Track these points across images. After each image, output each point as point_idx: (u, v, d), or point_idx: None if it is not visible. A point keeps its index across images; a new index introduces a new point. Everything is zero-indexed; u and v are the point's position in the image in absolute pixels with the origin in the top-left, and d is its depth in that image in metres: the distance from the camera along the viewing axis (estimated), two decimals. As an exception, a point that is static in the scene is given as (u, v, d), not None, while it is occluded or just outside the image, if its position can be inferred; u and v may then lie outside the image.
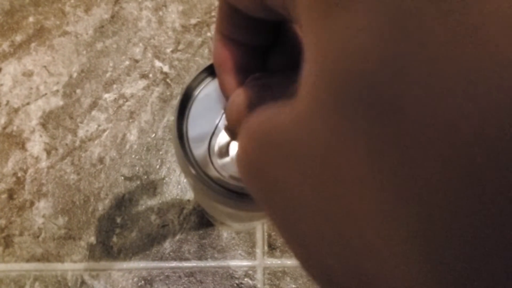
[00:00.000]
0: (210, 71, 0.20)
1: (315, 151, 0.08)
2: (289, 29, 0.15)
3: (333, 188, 0.08)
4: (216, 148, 0.19)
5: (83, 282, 0.42)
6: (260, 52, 0.15)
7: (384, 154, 0.06)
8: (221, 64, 0.15)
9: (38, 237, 0.43)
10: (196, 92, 0.20)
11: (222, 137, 0.20)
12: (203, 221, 0.44)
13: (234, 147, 0.19)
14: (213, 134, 0.19)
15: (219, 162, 0.19)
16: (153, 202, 0.44)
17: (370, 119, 0.07)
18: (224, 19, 0.14)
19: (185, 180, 0.45)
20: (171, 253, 0.43)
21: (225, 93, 0.16)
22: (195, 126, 0.19)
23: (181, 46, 0.51)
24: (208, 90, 0.20)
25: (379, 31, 0.06)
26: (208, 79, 0.20)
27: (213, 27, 0.51)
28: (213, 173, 0.19)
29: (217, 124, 0.19)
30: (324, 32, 0.07)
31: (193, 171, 0.18)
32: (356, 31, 0.07)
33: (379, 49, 0.06)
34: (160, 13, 0.52)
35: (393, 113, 0.06)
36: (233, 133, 0.17)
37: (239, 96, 0.15)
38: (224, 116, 0.20)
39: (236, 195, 0.18)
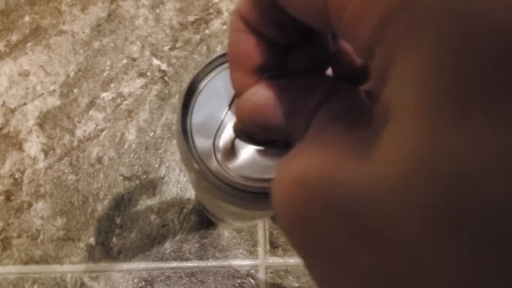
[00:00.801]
0: (217, 63, 0.19)
1: (397, 234, 0.07)
2: (323, 36, 0.14)
3: (405, 280, 0.07)
4: (221, 143, 0.19)
5: (82, 284, 0.41)
6: (283, 49, 0.14)
7: None
8: (239, 59, 0.14)
9: (36, 239, 0.42)
10: (201, 85, 0.19)
11: (227, 133, 0.19)
12: (203, 220, 0.43)
13: (240, 146, 0.19)
14: (218, 129, 0.19)
15: (227, 164, 0.18)
16: (152, 201, 0.44)
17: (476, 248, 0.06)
18: (257, 8, 0.12)
19: (185, 179, 0.45)
20: (171, 253, 0.42)
21: (238, 90, 0.14)
22: (200, 120, 0.19)
23: (178, 44, 0.50)
24: (215, 83, 0.19)
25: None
26: (215, 72, 0.19)
27: (210, 24, 0.51)
28: (217, 169, 0.18)
29: (223, 119, 0.19)
30: (437, 133, 0.07)
31: (196, 166, 0.18)
32: (479, 147, 0.06)
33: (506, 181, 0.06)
34: (157, 10, 0.51)
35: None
36: (242, 132, 0.16)
37: (254, 95, 0.14)
38: (229, 111, 0.19)
39: (241, 193, 0.18)
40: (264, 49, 0.13)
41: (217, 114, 0.19)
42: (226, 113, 0.19)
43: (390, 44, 0.08)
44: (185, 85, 0.18)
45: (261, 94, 0.13)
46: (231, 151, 0.19)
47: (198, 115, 0.19)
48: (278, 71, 0.14)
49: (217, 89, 0.19)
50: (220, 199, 0.19)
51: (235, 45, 0.13)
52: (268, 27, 0.13)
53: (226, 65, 0.19)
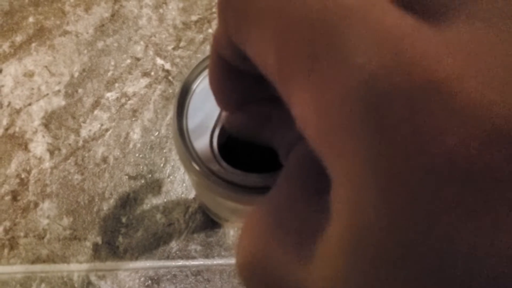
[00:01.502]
0: (207, 64, 0.20)
1: None
2: None
3: None
4: (216, 142, 0.19)
5: (89, 283, 0.41)
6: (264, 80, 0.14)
7: None
8: (219, 91, 0.13)
9: (43, 238, 0.42)
10: (194, 86, 0.19)
11: (223, 131, 0.19)
12: (208, 219, 0.44)
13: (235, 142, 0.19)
14: (214, 127, 0.19)
15: (225, 161, 0.19)
16: (158, 201, 0.44)
17: None
18: (227, 48, 0.11)
19: (188, 177, 0.45)
20: (177, 252, 0.42)
21: (223, 109, 0.15)
22: (195, 121, 0.19)
23: (182, 43, 0.50)
24: (206, 83, 0.19)
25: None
26: (206, 72, 0.20)
27: (214, 23, 0.51)
28: (216, 167, 0.18)
29: (218, 117, 0.19)
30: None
31: (196, 167, 0.18)
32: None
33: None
34: (161, 10, 0.52)
35: None
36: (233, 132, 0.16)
37: (237, 120, 0.14)
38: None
39: (242, 189, 0.18)
40: (243, 80, 0.13)
41: (212, 112, 0.19)
42: (221, 112, 0.19)
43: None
44: (178, 87, 0.19)
45: (242, 121, 0.14)
46: (227, 149, 0.19)
47: (193, 115, 0.19)
48: (262, 98, 0.14)
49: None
50: (222, 197, 0.19)
51: (214, 78, 0.13)
52: (241, 62, 0.12)
53: None
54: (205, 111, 0.19)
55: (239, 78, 0.13)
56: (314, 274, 0.08)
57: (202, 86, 0.20)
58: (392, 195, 0.06)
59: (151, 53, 0.50)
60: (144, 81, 0.48)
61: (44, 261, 0.42)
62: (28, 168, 0.45)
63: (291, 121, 0.12)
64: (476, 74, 0.06)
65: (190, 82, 0.20)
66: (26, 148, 0.45)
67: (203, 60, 0.20)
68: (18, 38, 0.50)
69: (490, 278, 0.06)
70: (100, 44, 0.50)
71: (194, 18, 0.51)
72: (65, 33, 0.50)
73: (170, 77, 0.49)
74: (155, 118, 0.47)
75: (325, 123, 0.07)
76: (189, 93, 0.19)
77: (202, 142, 0.19)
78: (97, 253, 0.42)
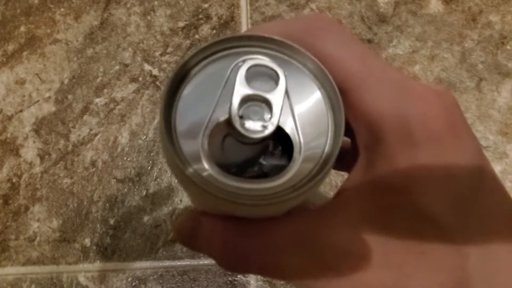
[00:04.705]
0: (214, 49, 0.16)
1: None
2: None
3: None
4: (208, 143, 0.16)
5: (78, 284, 0.42)
6: None
7: None
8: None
9: (33, 240, 0.44)
10: (192, 72, 0.16)
11: (216, 131, 0.16)
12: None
13: (230, 145, 0.17)
14: (206, 127, 0.16)
15: (216, 165, 0.16)
16: (145, 203, 0.45)
17: None
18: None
19: (176, 180, 0.46)
20: (164, 253, 0.43)
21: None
22: (185, 118, 0.16)
23: (169, 49, 0.51)
24: (204, 74, 0.16)
25: None
26: (209, 59, 0.16)
27: (200, 29, 0.52)
28: (206, 171, 0.16)
29: (210, 116, 0.16)
30: None
31: (185, 170, 0.15)
32: None
33: None
34: (148, 17, 0.53)
35: None
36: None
37: (216, 228, 0.16)
38: (218, 107, 0.16)
39: (235, 197, 0.15)
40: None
41: (205, 109, 0.16)
42: (214, 108, 0.16)
43: None
44: (172, 73, 0.15)
45: (221, 230, 0.16)
46: (220, 151, 0.16)
47: (185, 109, 0.16)
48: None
49: (208, 79, 0.16)
50: (214, 204, 0.16)
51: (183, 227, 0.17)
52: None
53: (224, 53, 0.16)
54: (199, 106, 0.16)
55: None
56: None
57: (200, 76, 0.16)
58: None
59: (139, 59, 0.51)
60: (132, 87, 0.50)
61: (34, 263, 0.43)
62: (19, 173, 0.46)
63: None
64: None
65: (189, 68, 0.16)
66: (17, 154, 0.47)
67: (210, 44, 0.16)
68: (10, 47, 0.51)
69: None
70: (89, 52, 0.51)
71: (181, 24, 0.53)
72: (56, 41, 0.52)
73: (157, 82, 0.50)
74: (143, 122, 0.48)
75: None
76: (184, 80, 0.16)
77: (191, 142, 0.16)
78: (85, 254, 0.43)
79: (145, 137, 0.47)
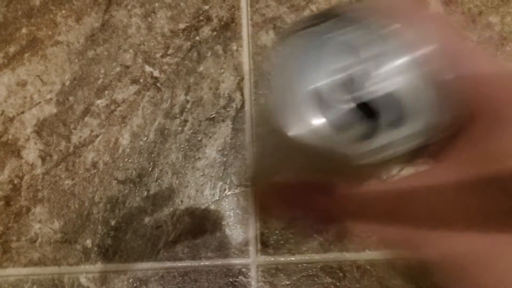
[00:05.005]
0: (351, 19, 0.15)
1: None
2: None
3: None
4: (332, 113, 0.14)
5: (79, 285, 0.43)
6: None
7: None
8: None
9: (34, 242, 0.44)
10: (329, 35, 0.15)
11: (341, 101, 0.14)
12: (195, 222, 0.45)
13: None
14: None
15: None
16: (146, 204, 0.45)
17: None
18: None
19: (177, 181, 0.46)
20: (165, 254, 0.44)
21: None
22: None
23: (170, 51, 0.52)
24: (340, 40, 0.15)
25: None
26: (348, 28, 0.15)
27: (201, 30, 0.52)
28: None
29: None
30: None
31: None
32: None
33: None
34: (149, 19, 0.53)
35: None
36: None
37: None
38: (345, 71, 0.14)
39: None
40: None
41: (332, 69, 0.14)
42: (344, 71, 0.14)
43: None
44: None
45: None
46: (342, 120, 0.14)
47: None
48: None
49: (343, 45, 0.15)
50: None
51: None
52: None
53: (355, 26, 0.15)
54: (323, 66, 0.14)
55: None
56: None
57: (337, 40, 0.14)
58: None
59: (140, 60, 0.51)
60: (133, 88, 0.50)
61: (35, 264, 0.43)
62: (20, 174, 0.46)
63: None
64: None
65: (330, 30, 0.15)
66: (18, 155, 0.47)
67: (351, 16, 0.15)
68: (12, 49, 0.51)
69: None
70: (90, 53, 0.51)
71: (182, 26, 0.53)
72: (57, 43, 0.52)
73: (158, 84, 0.50)
74: (144, 123, 0.48)
75: None
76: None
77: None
78: (87, 255, 0.43)
79: (146, 138, 0.48)
